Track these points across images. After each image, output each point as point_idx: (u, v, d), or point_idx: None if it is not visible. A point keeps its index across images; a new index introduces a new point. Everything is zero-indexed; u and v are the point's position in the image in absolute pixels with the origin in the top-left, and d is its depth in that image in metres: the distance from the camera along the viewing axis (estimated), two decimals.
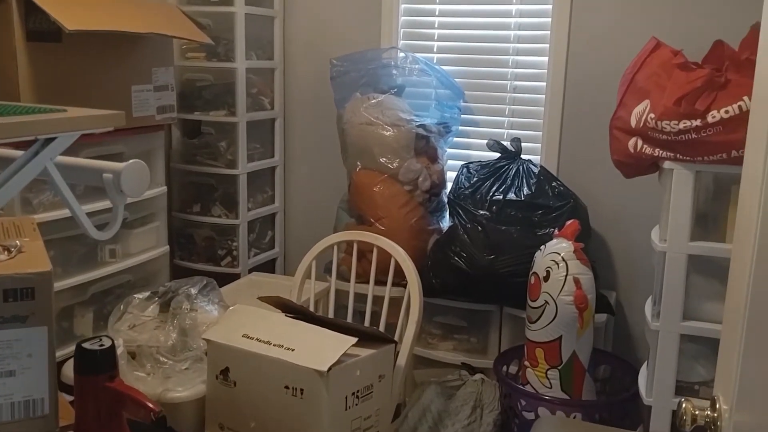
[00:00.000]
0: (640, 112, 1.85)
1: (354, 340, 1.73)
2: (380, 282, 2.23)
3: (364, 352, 1.80)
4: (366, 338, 1.81)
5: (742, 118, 1.66)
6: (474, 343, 2.71)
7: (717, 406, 1.08)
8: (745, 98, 1.66)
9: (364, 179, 2.74)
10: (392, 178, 2.71)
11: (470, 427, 2.31)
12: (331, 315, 2.30)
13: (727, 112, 1.68)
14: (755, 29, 1.76)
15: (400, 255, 2.16)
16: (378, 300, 2.24)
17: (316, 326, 1.84)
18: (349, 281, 2.31)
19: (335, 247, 2.32)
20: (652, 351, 1.95)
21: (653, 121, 1.78)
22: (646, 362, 2.14)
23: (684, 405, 1.10)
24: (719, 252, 1.82)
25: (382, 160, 2.70)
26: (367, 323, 2.21)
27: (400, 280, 2.18)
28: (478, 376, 2.45)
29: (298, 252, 3.16)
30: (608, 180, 2.61)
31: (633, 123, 1.87)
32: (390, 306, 2.18)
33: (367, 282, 2.25)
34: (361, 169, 2.75)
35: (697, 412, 1.09)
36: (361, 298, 2.29)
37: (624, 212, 2.65)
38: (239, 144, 2.97)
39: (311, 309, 2.30)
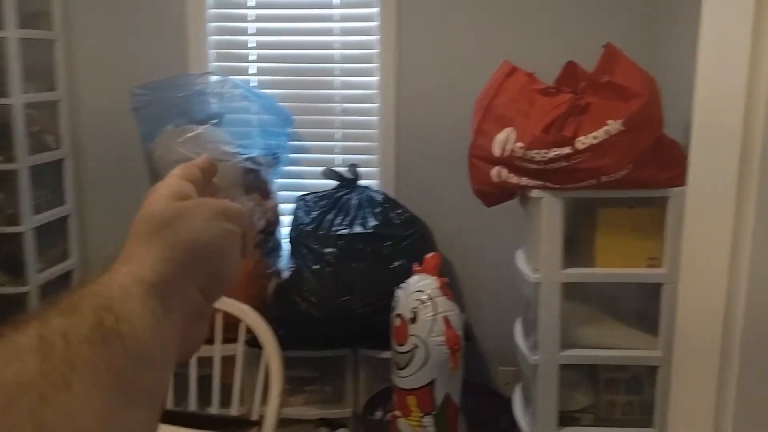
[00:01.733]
0: (504, 140, 1.75)
1: None
2: (210, 340, 1.92)
3: None
4: (221, 425, 1.52)
5: (610, 142, 1.63)
6: (328, 393, 2.49)
7: None
8: (610, 122, 1.63)
9: None
10: None
11: None
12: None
13: (595, 137, 1.64)
14: (609, 50, 1.75)
15: (251, 319, 1.87)
16: (206, 361, 1.93)
17: (162, 426, 1.51)
18: None
19: None
20: (532, 384, 1.87)
21: (521, 150, 1.69)
22: (517, 391, 2.07)
23: None
24: (592, 277, 1.79)
25: None
26: (216, 392, 1.89)
27: (232, 335, 1.90)
28: (342, 431, 2.24)
29: None
30: (449, 201, 2.54)
31: (497, 152, 1.77)
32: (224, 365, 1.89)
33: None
34: None
35: None
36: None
37: (467, 232, 2.59)
38: (21, 194, 2.45)
39: None
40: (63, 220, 2.76)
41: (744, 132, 0.86)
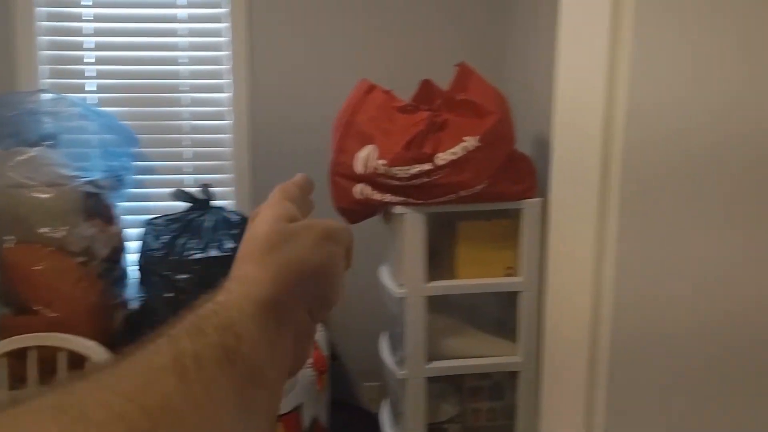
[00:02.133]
0: (365, 157, 1.76)
1: None
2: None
3: None
4: None
5: (467, 158, 1.69)
6: None
7: None
8: (468, 138, 1.69)
9: (20, 257, 2.17)
10: (60, 251, 2.19)
11: None
12: None
13: (453, 153, 1.69)
14: (463, 69, 1.82)
15: (99, 355, 1.73)
16: None
17: None
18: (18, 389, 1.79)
19: (5, 359, 1.76)
20: (400, 399, 1.89)
21: (384, 167, 1.71)
22: (383, 409, 2.08)
23: None
24: (455, 289, 1.84)
25: (43, 230, 2.17)
26: None
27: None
28: None
29: None
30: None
31: (359, 169, 1.77)
32: None
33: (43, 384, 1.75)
34: (16, 243, 2.17)
35: None
36: None
37: None
38: None
39: None
40: None
41: (603, 141, 0.92)
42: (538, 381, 1.81)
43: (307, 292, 0.44)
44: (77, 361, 1.75)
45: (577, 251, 1.03)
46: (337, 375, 2.61)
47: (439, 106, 1.79)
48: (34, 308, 2.15)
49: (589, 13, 0.96)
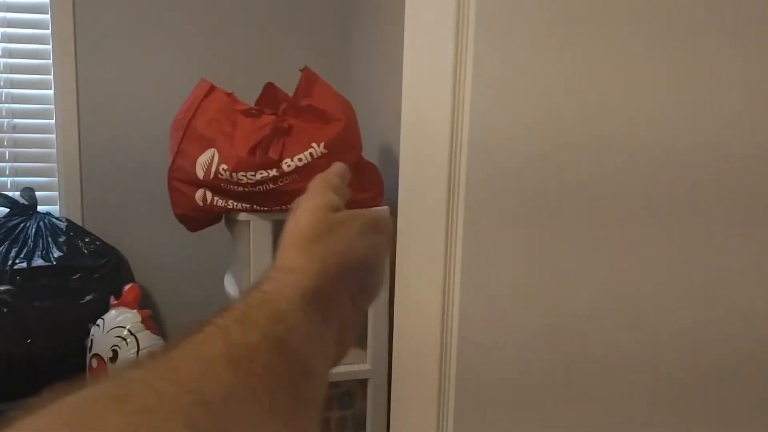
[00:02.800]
0: (207, 161, 1.68)
1: None
2: None
3: None
4: None
5: (314, 164, 1.65)
6: None
7: None
8: (314, 144, 1.65)
9: None
10: None
11: None
12: None
13: (300, 159, 1.65)
14: (307, 73, 1.79)
15: None
16: None
17: None
18: None
19: None
20: None
21: (227, 172, 1.64)
22: None
23: None
24: None
25: None
26: None
27: None
28: None
29: None
30: (144, 226, 2.37)
31: (200, 174, 1.68)
32: None
33: None
34: None
35: None
36: None
37: (167, 259, 2.43)
38: None
39: None
40: None
41: (451, 151, 0.92)
42: (388, 389, 1.82)
43: (352, 282, 0.44)
44: None
45: (425, 262, 1.03)
46: None
47: (284, 110, 1.74)
48: None
49: (433, 27, 0.96)
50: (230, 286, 1.88)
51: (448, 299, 0.98)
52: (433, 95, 0.96)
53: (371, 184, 1.78)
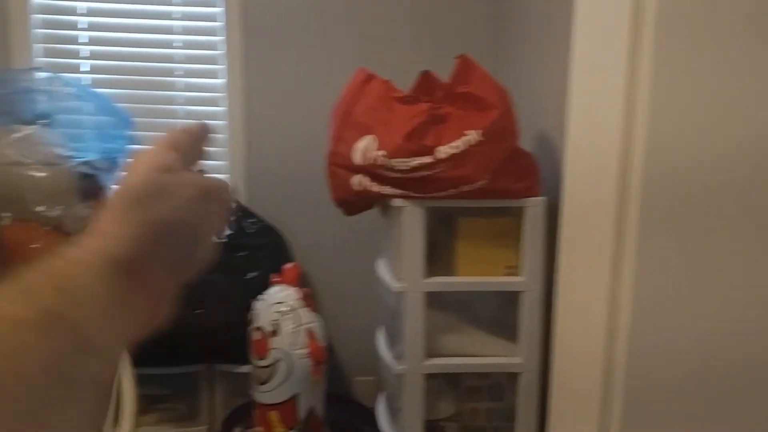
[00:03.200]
0: (364, 148, 1.71)
1: None
2: None
3: None
4: None
5: (469, 152, 1.63)
6: (182, 411, 2.35)
7: None
8: (470, 132, 1.63)
9: (18, 235, 2.13)
10: (56, 230, 2.16)
11: None
12: None
13: (455, 147, 1.63)
14: (464, 60, 1.76)
15: None
16: None
17: None
18: None
19: None
20: (398, 395, 1.86)
21: (383, 158, 1.66)
22: (380, 403, 2.06)
23: None
24: (454, 286, 1.80)
25: (39, 208, 2.13)
26: None
27: None
28: None
29: None
30: (304, 209, 2.47)
31: (357, 160, 1.72)
32: None
33: None
34: (13, 221, 2.14)
35: None
36: None
37: (323, 242, 2.53)
38: None
39: None
40: None
41: (623, 138, 0.87)
42: (539, 384, 1.78)
43: (171, 252, 0.42)
44: None
45: (592, 254, 0.98)
46: (329, 367, 2.58)
47: (440, 98, 1.73)
48: None
49: (605, 31, 0.90)
50: (382, 270, 1.91)
51: (615, 302, 0.93)
52: (605, 100, 0.91)
53: (527, 174, 1.73)
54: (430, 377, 1.85)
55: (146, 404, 2.33)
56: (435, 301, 1.84)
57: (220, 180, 0.46)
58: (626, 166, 0.87)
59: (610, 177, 0.88)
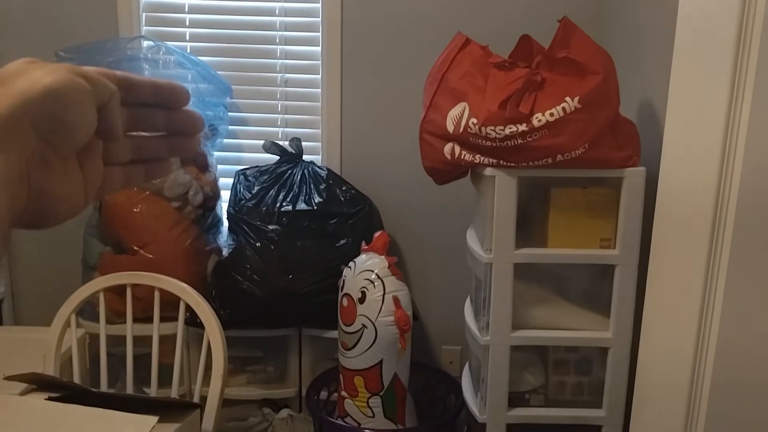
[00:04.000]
0: (458, 115, 1.69)
1: (154, 420, 1.34)
2: (145, 319, 1.85)
3: (166, 429, 1.43)
4: (162, 408, 1.43)
5: (567, 119, 1.59)
6: (271, 373, 2.42)
7: None
8: (568, 99, 1.58)
9: (120, 199, 2.26)
10: (156, 195, 2.27)
11: None
12: (103, 370, 1.81)
13: (552, 114, 1.59)
14: (565, 24, 1.70)
15: (191, 297, 1.77)
16: (145, 340, 1.85)
17: (98, 409, 1.40)
18: (110, 323, 1.87)
19: (101, 294, 1.84)
20: (483, 365, 1.84)
21: (476, 126, 1.63)
22: (465, 373, 2.05)
23: None
24: (545, 258, 1.76)
25: None
26: (154, 374, 1.79)
27: (172, 313, 1.81)
28: (284, 412, 2.18)
29: (34, 291, 2.56)
30: (394, 178, 2.48)
31: (450, 128, 1.70)
32: (164, 346, 1.82)
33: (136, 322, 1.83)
34: None
35: None
36: (121, 340, 1.86)
37: (413, 211, 2.53)
38: None
39: (75, 367, 1.81)
40: None
41: (720, 180, 0.82)
42: (630, 360, 1.72)
43: (42, 118, 0.42)
44: (171, 301, 1.81)
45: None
46: (416, 336, 2.59)
47: (539, 63, 1.68)
48: (133, 248, 2.23)
49: (710, 50, 0.85)
50: (472, 240, 1.89)
51: (703, 335, 0.88)
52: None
53: (628, 142, 1.66)
54: (517, 349, 1.83)
55: (238, 365, 2.42)
56: (525, 272, 1.81)
57: (104, 78, 0.45)
58: (722, 197, 0.82)
59: (707, 206, 0.83)
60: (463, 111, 1.69)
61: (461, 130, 1.68)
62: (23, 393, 1.53)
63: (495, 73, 1.67)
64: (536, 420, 1.85)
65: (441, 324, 2.62)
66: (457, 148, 1.73)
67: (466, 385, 2.01)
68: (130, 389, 1.81)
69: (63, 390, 1.54)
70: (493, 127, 1.62)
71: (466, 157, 1.72)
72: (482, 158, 1.70)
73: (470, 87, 1.69)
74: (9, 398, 1.46)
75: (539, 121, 1.60)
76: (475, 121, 1.64)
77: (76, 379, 1.82)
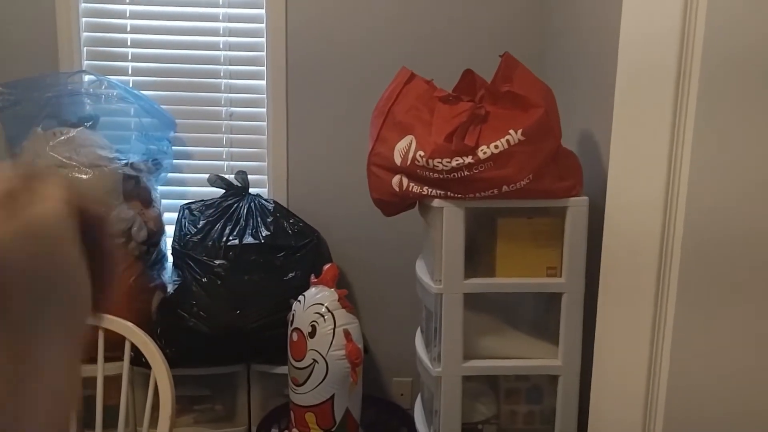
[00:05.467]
0: (405, 148, 1.71)
1: None
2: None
3: None
4: None
5: (511, 151, 1.62)
6: (219, 412, 2.36)
7: None
8: (512, 131, 1.62)
9: None
10: None
11: None
12: None
13: (497, 147, 1.62)
14: (507, 59, 1.75)
15: (137, 337, 1.72)
16: (92, 380, 1.77)
17: None
18: None
19: None
20: (435, 396, 1.84)
21: (423, 159, 1.65)
22: (418, 405, 2.04)
23: None
24: (494, 287, 1.78)
25: None
26: (99, 414, 1.72)
27: (113, 353, 1.75)
28: None
29: None
30: (339, 208, 2.48)
31: (397, 160, 1.72)
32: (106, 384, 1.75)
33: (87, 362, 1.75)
34: None
35: None
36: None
37: (359, 241, 2.53)
38: None
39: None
40: None
41: (664, 221, 0.85)
42: (579, 387, 1.75)
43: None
44: (116, 341, 1.75)
45: (631, 335, 0.96)
46: (366, 368, 2.57)
47: (482, 97, 1.72)
48: None
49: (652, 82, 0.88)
50: (421, 271, 1.90)
51: (654, 371, 0.91)
52: (647, 163, 0.89)
53: (570, 173, 1.71)
54: (469, 379, 1.83)
55: (185, 405, 2.35)
56: (474, 302, 1.82)
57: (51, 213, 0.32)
58: (666, 238, 0.85)
59: (652, 248, 0.86)
60: (410, 144, 1.71)
61: (408, 162, 1.69)
62: None
63: (440, 107, 1.70)
64: None
65: (392, 355, 2.61)
66: (405, 180, 1.75)
67: (418, 417, 2.00)
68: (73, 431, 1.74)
69: None
70: (440, 160, 1.65)
71: (414, 189, 1.73)
72: (430, 190, 1.72)
73: (416, 120, 1.71)
74: None
75: (484, 153, 1.63)
76: (422, 153, 1.66)
77: None
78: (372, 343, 2.60)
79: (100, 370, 1.74)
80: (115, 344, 1.75)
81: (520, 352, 1.83)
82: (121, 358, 1.75)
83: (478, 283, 1.77)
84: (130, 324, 1.74)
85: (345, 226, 2.50)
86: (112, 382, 1.81)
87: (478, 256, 1.84)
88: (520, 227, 1.78)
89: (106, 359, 1.76)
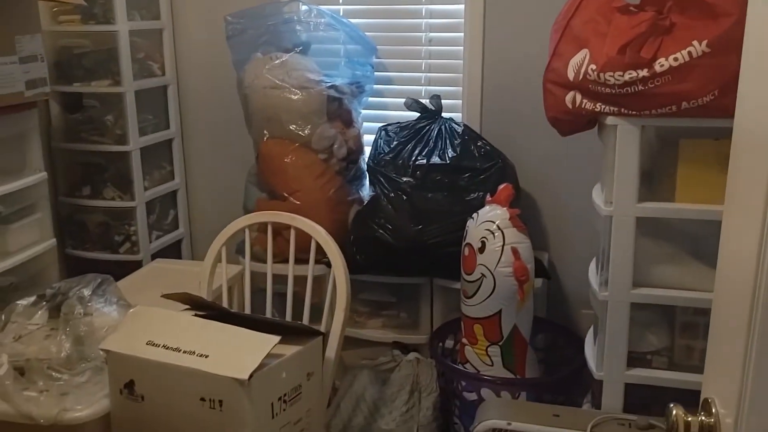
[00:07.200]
0: (578, 63, 1.66)
1: (276, 339, 1.50)
2: (299, 260, 1.97)
3: (289, 350, 1.58)
4: (289, 333, 1.58)
5: (693, 65, 1.51)
6: (404, 319, 2.53)
7: (713, 410, 0.91)
8: (695, 42, 1.50)
9: (274, 149, 2.47)
10: (305, 147, 2.45)
11: (409, 414, 2.13)
12: (247, 300, 2.03)
13: (676, 59, 1.52)
14: None
15: (320, 236, 1.92)
16: (299, 280, 2.00)
17: (231, 326, 1.60)
18: (264, 262, 2.05)
19: (246, 230, 2.04)
20: (602, 322, 1.81)
21: (594, 72, 1.60)
22: (590, 331, 2.01)
23: (674, 412, 0.93)
24: (670, 213, 1.69)
25: (292, 127, 2.43)
26: (289, 307, 1.97)
27: (322, 257, 1.94)
28: (412, 355, 2.28)
29: (206, 231, 2.87)
30: (533, 135, 2.46)
31: (570, 75, 1.68)
32: (313, 285, 1.96)
33: (285, 261, 1.99)
34: (269, 138, 2.48)
35: (689, 419, 0.92)
36: (279, 279, 2.04)
37: (551, 168, 2.50)
38: (128, 116, 2.62)
39: (224, 296, 2.05)
40: (168, 143, 2.92)
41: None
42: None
43: None
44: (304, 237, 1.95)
45: None
46: (556, 299, 2.57)
47: (670, 7, 1.60)
48: (284, 195, 2.44)
49: None
50: (597, 197, 1.85)
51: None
52: None
53: None
54: (640, 307, 1.77)
55: (373, 309, 2.56)
56: (651, 228, 1.74)
57: None
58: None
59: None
60: (585, 58, 1.66)
61: (581, 77, 1.65)
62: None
63: (618, 18, 1.62)
64: (658, 382, 1.79)
65: (581, 288, 2.56)
66: (578, 97, 1.70)
67: (588, 341, 1.98)
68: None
69: (209, 309, 1.76)
70: (612, 73, 1.58)
71: (587, 106, 1.69)
72: (603, 106, 1.66)
73: (592, 33, 1.65)
74: (164, 311, 1.71)
75: (662, 66, 1.53)
76: (594, 67, 1.61)
77: (226, 305, 2.05)
78: (560, 273, 2.59)
79: (290, 266, 1.96)
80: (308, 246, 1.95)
81: (700, 285, 1.71)
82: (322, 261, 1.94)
83: (653, 208, 1.69)
84: (316, 225, 1.94)
85: (536, 154, 2.48)
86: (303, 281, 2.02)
87: (658, 179, 1.74)
88: (705, 149, 1.65)
89: (299, 261, 1.97)
